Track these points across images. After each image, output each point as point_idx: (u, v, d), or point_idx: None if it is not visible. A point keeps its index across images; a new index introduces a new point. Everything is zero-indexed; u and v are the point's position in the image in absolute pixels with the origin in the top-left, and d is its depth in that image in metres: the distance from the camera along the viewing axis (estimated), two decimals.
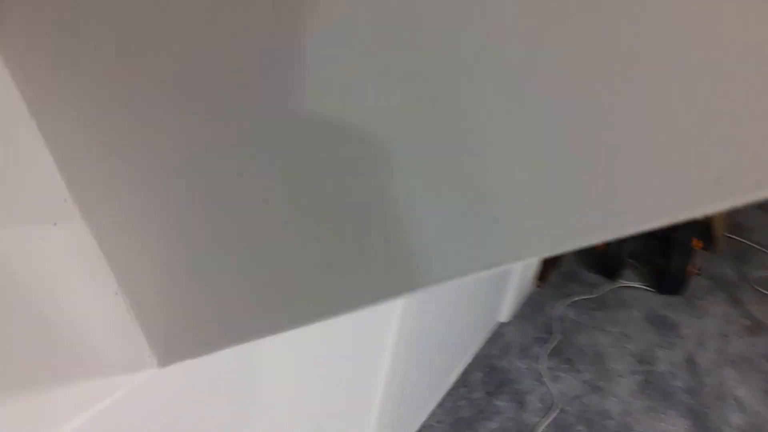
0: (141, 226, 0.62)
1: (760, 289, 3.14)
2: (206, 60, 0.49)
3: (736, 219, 3.70)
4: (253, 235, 0.57)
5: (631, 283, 3.02)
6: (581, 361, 2.53)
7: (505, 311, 2.62)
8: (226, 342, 0.66)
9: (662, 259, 2.96)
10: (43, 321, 0.63)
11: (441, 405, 2.21)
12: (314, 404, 1.32)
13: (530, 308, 2.75)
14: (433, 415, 2.18)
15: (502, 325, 2.62)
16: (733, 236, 3.53)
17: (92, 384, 0.71)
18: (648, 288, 3.01)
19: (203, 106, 0.52)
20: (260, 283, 0.60)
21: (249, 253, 0.58)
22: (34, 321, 0.62)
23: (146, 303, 0.69)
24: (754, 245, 3.49)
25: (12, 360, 0.61)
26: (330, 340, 1.25)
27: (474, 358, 2.43)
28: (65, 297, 0.64)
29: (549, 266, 2.86)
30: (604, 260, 2.97)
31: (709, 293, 3.05)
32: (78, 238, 0.64)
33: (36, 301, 0.62)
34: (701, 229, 3.14)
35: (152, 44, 0.50)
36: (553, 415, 2.26)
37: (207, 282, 0.63)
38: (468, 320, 2.22)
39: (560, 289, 2.90)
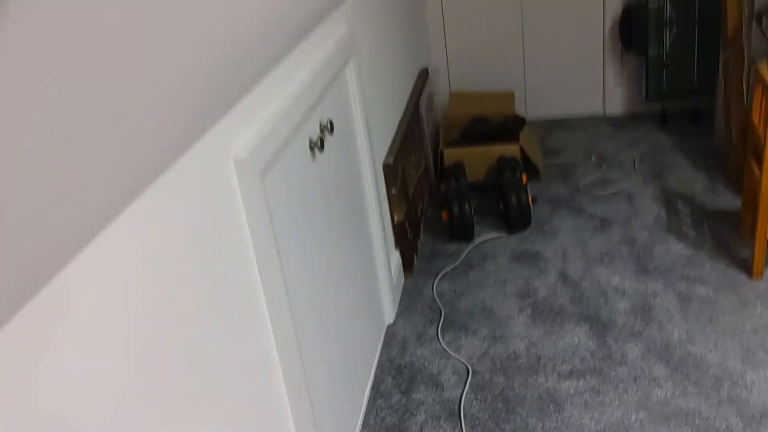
0: None
1: (592, 193, 3.37)
2: None
3: (548, 146, 3.96)
4: None
5: (485, 237, 3.13)
6: (473, 322, 2.57)
7: (389, 313, 2.61)
8: None
9: (501, 203, 3.10)
10: None
11: (365, 425, 2.15)
12: None
13: (409, 299, 2.76)
14: None
15: (391, 326, 2.61)
16: (551, 162, 3.77)
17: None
18: (500, 234, 3.13)
19: None
20: None
21: None
22: None
23: None
24: (570, 162, 3.75)
25: None
26: None
27: (378, 368, 2.39)
28: None
29: (409, 255, 2.89)
30: (453, 228, 3.05)
31: (553, 214, 3.23)
32: None
33: None
34: (523, 165, 3.31)
35: None
36: (470, 379, 2.27)
37: None
38: (359, 340, 2.19)
39: (428, 270, 2.94)
